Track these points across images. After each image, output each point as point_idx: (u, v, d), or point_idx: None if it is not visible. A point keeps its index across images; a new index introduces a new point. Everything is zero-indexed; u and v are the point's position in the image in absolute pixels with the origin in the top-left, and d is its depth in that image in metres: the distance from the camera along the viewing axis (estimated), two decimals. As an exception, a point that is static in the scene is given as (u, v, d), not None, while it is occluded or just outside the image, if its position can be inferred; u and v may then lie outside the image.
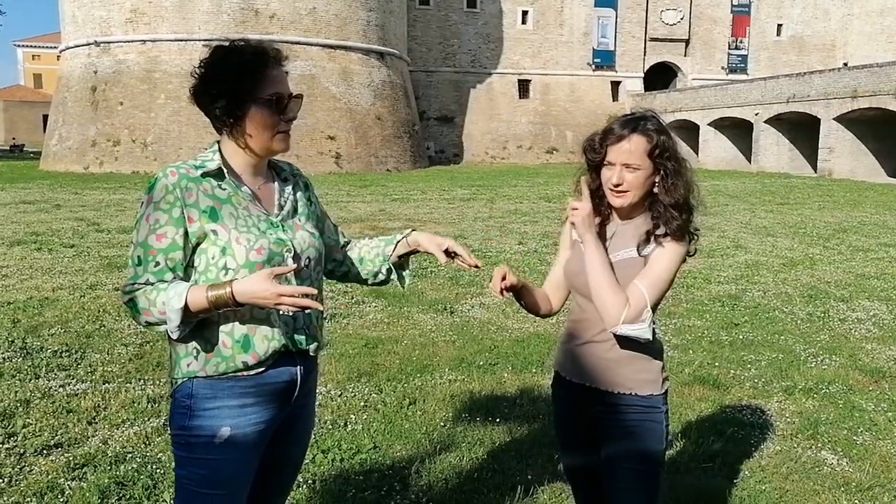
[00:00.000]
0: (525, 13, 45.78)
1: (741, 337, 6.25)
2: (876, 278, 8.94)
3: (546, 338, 6.19)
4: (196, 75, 1.97)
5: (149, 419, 4.29)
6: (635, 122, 2.13)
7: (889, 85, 28.56)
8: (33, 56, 77.74)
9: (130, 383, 4.91)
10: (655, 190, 2.13)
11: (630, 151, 2.10)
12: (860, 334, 6.41)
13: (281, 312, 1.94)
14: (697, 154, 39.53)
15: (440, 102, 44.60)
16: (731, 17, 48.55)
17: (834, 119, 31.20)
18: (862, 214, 16.55)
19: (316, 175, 27.45)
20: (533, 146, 45.88)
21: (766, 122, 35.37)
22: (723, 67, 48.66)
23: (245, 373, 1.95)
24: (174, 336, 1.86)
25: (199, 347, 1.93)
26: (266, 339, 1.96)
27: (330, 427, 4.21)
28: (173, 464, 2.08)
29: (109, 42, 32.25)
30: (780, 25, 49.35)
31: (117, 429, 4.15)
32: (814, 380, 5.13)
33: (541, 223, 14.32)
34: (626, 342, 2.12)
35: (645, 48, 47.77)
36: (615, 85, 47.47)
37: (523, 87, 46.31)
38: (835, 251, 11.08)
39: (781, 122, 34.96)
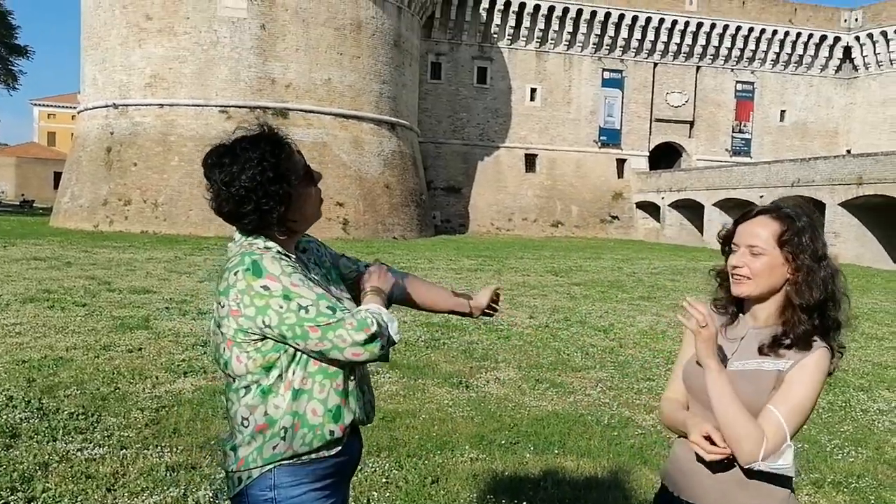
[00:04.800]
0: (533, 91, 46.88)
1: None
2: (893, 368, 8.88)
3: (565, 417, 6.12)
4: (219, 192, 1.92)
5: (168, 489, 4.21)
6: (774, 206, 1.98)
7: (893, 173, 28.97)
8: (49, 115, 79.38)
9: (148, 449, 4.84)
10: (787, 288, 1.93)
11: (755, 234, 1.93)
12: (884, 426, 6.32)
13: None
14: (702, 234, 39.82)
15: (448, 173, 45.23)
16: (734, 101, 49.69)
17: (839, 204, 31.54)
18: (872, 301, 16.54)
19: (323, 240, 27.53)
20: (538, 219, 46.28)
21: (770, 204, 35.72)
22: (726, 150, 49.49)
23: (325, 453, 1.94)
24: (397, 338, 1.95)
25: (287, 425, 1.91)
26: (350, 412, 1.99)
27: (353, 504, 4.13)
28: None
29: (128, 105, 32.98)
30: (783, 111, 50.43)
31: (137, 497, 4.07)
32: (842, 473, 5.04)
33: (550, 297, 14.32)
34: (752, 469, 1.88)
35: (650, 128, 48.71)
36: (620, 162, 48.20)
37: (530, 161, 47.04)
38: (849, 338, 10.98)
39: (786, 205, 35.29)
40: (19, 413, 5.41)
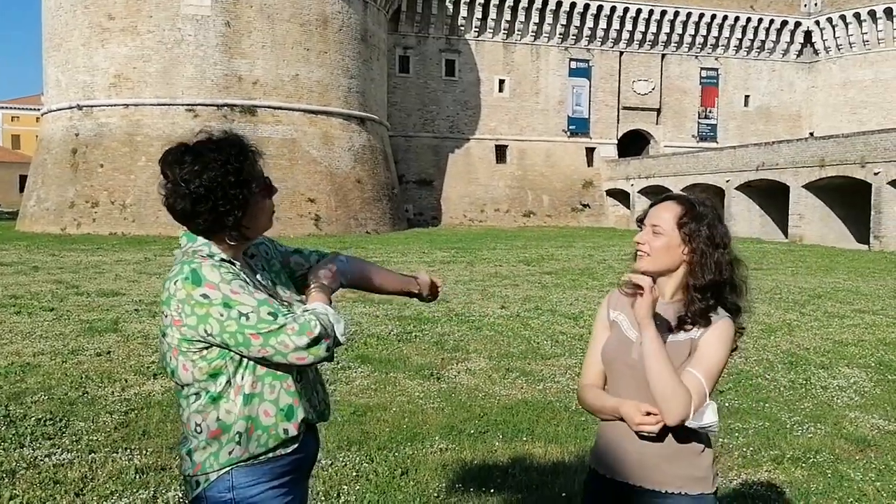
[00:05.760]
0: (502, 82, 46.99)
1: (727, 405, 6.31)
2: (854, 345, 9.10)
3: (534, 404, 6.22)
4: (175, 189, 1.92)
5: (137, 490, 4.23)
6: (682, 194, 2.15)
7: (854, 154, 29.55)
8: (12, 118, 77.82)
9: (117, 453, 4.84)
10: (683, 268, 2.10)
11: (659, 216, 2.11)
12: (843, 402, 6.51)
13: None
14: (672, 219, 40.25)
15: (419, 166, 45.22)
16: (699, 88, 50.24)
17: (803, 186, 32.10)
18: (835, 280, 16.90)
19: (295, 237, 27.51)
20: (510, 209, 46.48)
21: (736, 188, 36.27)
22: (693, 136, 50.06)
23: (282, 451, 1.98)
24: (343, 338, 1.95)
25: (241, 430, 1.94)
26: (304, 410, 2.02)
27: (323, 499, 4.18)
28: None
29: (92, 106, 32.49)
30: (747, 96, 51.10)
31: (106, 501, 4.08)
32: (801, 449, 5.20)
33: (521, 287, 14.44)
34: (678, 436, 2.02)
35: (618, 116, 49.10)
36: (590, 151, 48.54)
37: (500, 153, 47.19)
38: (811, 317, 11.29)
39: (752, 189, 35.87)
40: (-15, 421, 5.37)
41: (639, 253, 2.14)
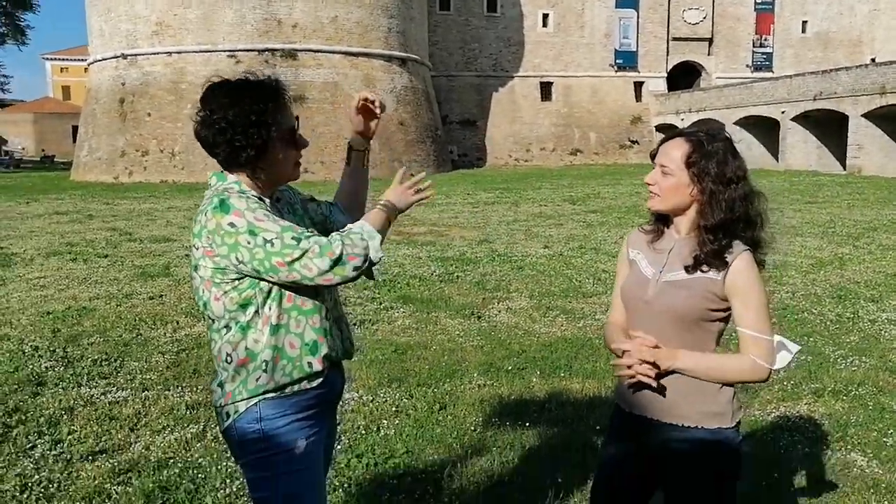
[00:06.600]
0: (546, 16, 45.78)
1: (769, 339, 6.24)
2: (906, 278, 8.86)
3: (573, 341, 6.25)
4: (205, 118, 1.99)
5: (188, 425, 4.42)
6: (692, 130, 2.08)
7: (918, 80, 28.14)
8: (62, 69, 79.22)
9: (169, 390, 5.05)
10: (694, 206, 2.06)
11: (668, 154, 2.06)
12: (891, 335, 6.37)
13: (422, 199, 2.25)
14: (723, 153, 39.18)
15: (462, 106, 44.73)
16: (754, 14, 48.14)
17: (862, 116, 30.80)
18: (893, 212, 16.34)
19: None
20: (556, 148, 45.84)
21: (792, 119, 35.01)
22: (747, 66, 48.23)
23: (307, 385, 2.05)
24: (379, 255, 1.97)
25: (267, 358, 2.00)
26: (327, 347, 2.08)
27: (364, 432, 4.31)
28: (248, 490, 2.17)
29: (136, 54, 32.82)
30: (804, 22, 48.82)
31: (158, 435, 4.28)
32: (843, 382, 5.13)
33: (566, 226, 14.34)
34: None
35: (668, 48, 47.51)
36: (638, 85, 47.26)
37: (545, 90, 46.29)
38: (865, 250, 10.99)
39: (808, 120, 34.58)
40: (45, 362, 5.65)
41: (649, 193, 2.12)
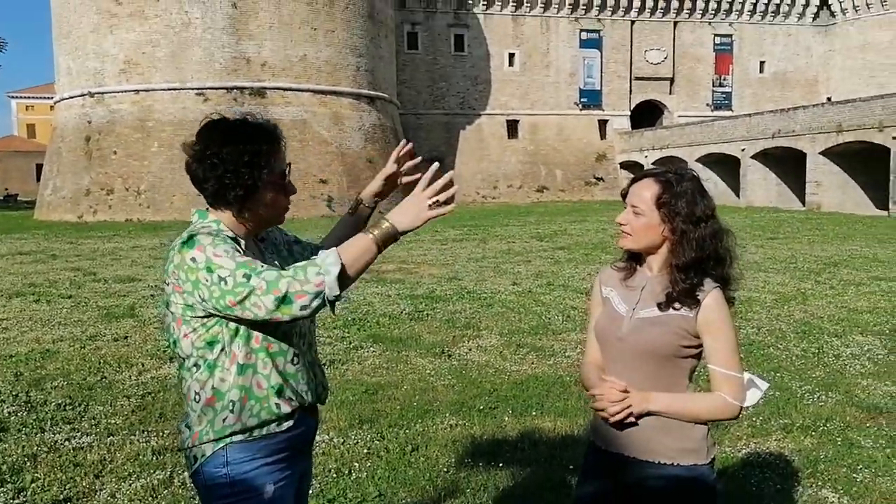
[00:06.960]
0: (512, 55, 46.64)
1: (737, 374, 6.31)
2: (868, 312, 9.05)
3: (545, 379, 6.26)
4: (197, 153, 1.98)
5: (154, 472, 4.32)
6: (660, 170, 2.13)
7: (873, 119, 29.11)
8: (27, 107, 78.31)
9: (134, 435, 4.94)
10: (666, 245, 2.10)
11: (639, 195, 2.10)
12: (855, 370, 6.49)
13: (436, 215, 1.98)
14: (687, 190, 39.93)
15: (430, 144, 45.06)
16: (713, 55, 49.57)
17: (820, 153, 31.70)
18: (852, 247, 16.75)
19: (308, 219, 27.58)
20: (523, 185, 46.34)
21: (752, 157, 35.88)
22: (707, 104, 49.49)
23: (276, 428, 2.02)
24: (334, 293, 1.82)
25: (234, 398, 1.97)
26: (294, 392, 2.05)
27: (335, 475, 4.25)
28: None
29: (103, 92, 32.65)
30: (762, 62, 50.37)
31: (124, 482, 4.17)
32: (811, 417, 5.20)
33: (534, 262, 14.44)
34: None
35: (631, 87, 48.61)
36: (602, 123, 48.17)
37: (512, 128, 46.95)
38: (826, 286, 11.22)
39: (768, 158, 35.47)
40: (7, 407, 5.49)
41: (620, 233, 2.17)
